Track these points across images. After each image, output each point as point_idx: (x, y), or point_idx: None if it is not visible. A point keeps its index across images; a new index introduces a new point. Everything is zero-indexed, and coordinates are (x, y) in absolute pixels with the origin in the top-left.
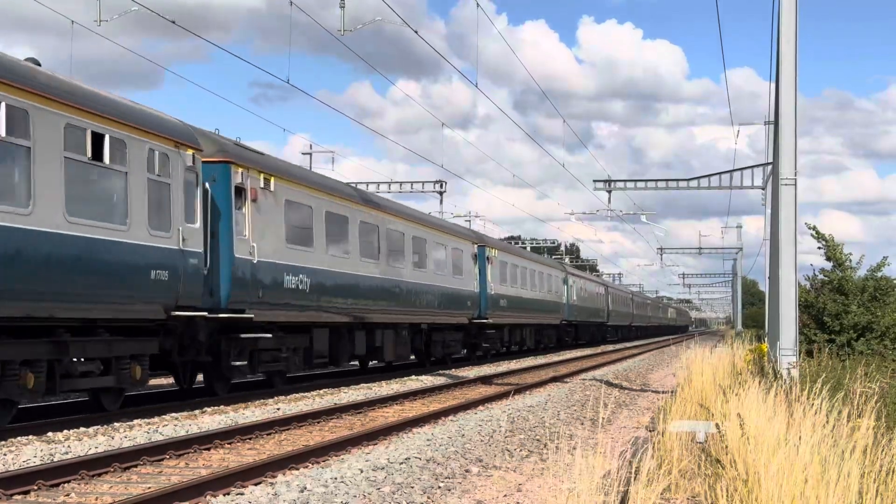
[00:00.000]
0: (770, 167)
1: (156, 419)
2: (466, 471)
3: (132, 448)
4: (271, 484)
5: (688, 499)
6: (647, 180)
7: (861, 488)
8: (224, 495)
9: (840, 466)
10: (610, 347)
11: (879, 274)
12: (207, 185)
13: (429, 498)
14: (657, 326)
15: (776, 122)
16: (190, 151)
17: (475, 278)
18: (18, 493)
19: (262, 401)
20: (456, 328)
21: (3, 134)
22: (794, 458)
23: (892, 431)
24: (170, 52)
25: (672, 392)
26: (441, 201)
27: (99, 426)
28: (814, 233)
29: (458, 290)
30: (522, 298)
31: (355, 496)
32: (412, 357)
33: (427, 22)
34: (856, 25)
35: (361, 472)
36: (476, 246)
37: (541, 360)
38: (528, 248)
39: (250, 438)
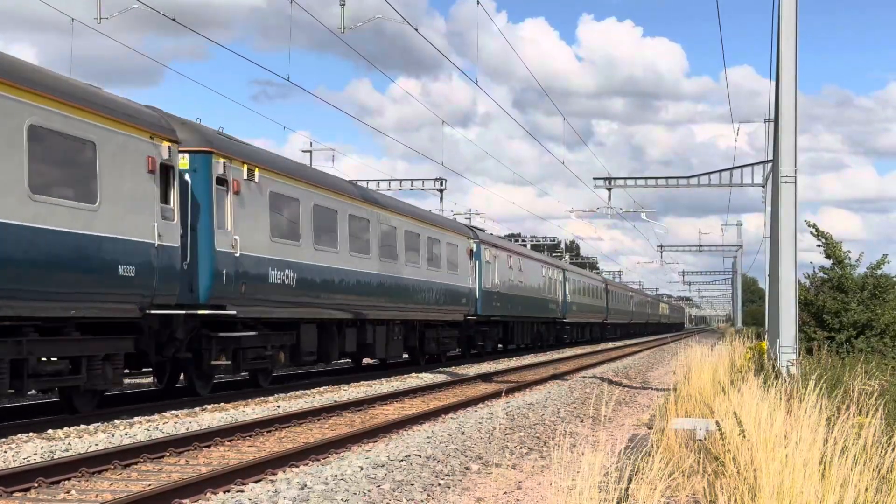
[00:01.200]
0: (770, 165)
1: (156, 416)
2: (466, 468)
3: (132, 445)
4: (271, 481)
5: (688, 496)
6: (647, 178)
7: (861, 486)
8: (224, 493)
9: (840, 464)
10: (610, 345)
11: (879, 272)
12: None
13: (429, 495)
14: (644, 325)
15: (776, 120)
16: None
17: (181, 225)
18: (19, 491)
19: (262, 398)
20: (106, 325)
21: None
22: (794, 455)
23: (892, 429)
24: (170, 49)
25: (672, 390)
26: (441, 199)
27: (99, 423)
28: (813, 230)
29: (80, 239)
30: (348, 272)
31: (355, 493)
32: None
33: (427, 19)
34: (856, 23)
35: (361, 469)
36: (172, 147)
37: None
38: (529, 246)
39: (250, 436)
